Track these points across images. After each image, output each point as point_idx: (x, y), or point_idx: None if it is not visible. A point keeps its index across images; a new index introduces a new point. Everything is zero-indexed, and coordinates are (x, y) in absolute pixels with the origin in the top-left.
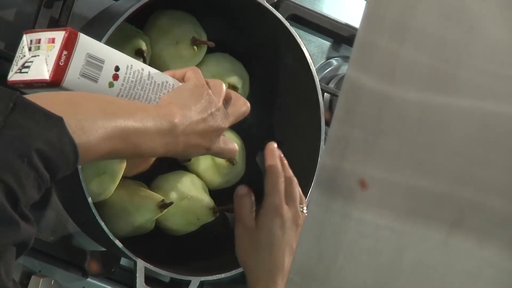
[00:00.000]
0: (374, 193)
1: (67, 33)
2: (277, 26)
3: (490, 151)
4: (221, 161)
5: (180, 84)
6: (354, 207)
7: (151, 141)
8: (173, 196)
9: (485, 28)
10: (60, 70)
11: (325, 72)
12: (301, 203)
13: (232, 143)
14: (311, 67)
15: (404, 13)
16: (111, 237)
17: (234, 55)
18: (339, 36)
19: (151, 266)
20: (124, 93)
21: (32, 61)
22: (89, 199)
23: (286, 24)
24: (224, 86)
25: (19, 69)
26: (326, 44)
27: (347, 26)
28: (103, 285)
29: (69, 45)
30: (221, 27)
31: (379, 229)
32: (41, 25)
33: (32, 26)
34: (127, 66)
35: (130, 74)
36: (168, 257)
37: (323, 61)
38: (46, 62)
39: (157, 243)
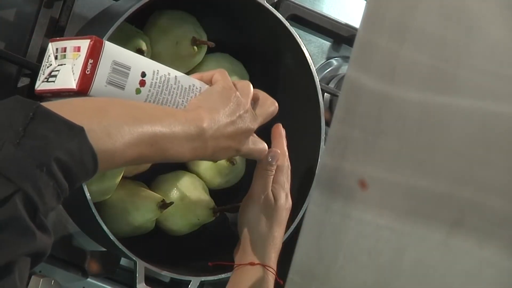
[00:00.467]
0: (374, 193)
1: (92, 41)
2: (277, 26)
3: (490, 151)
4: (221, 161)
5: (206, 86)
6: (354, 207)
7: (179, 146)
8: (173, 196)
9: (485, 28)
10: (86, 79)
11: (325, 72)
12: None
13: (262, 142)
14: (311, 67)
15: (404, 13)
16: (111, 237)
17: (234, 55)
18: (339, 36)
19: (151, 266)
20: (151, 99)
21: (58, 70)
22: (89, 199)
23: (286, 24)
24: (251, 87)
25: (46, 78)
26: (326, 44)
27: (347, 26)
28: (103, 285)
29: (94, 53)
30: (221, 27)
31: (379, 229)
32: (41, 25)
33: (32, 26)
34: (154, 71)
35: (157, 80)
36: (168, 257)
37: (323, 61)
38: (73, 71)
39: (157, 243)
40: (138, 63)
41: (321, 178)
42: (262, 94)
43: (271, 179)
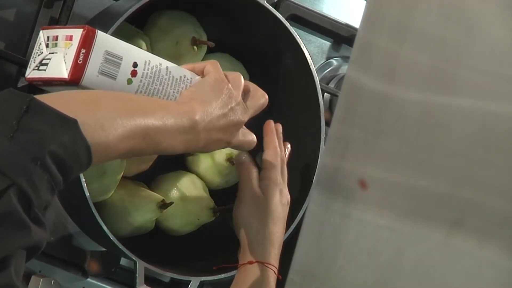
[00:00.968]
0: (374, 193)
1: (85, 30)
2: (277, 26)
3: (490, 151)
4: (221, 161)
5: (197, 77)
6: (354, 207)
7: (172, 139)
8: (173, 196)
9: (485, 28)
10: (78, 68)
11: (325, 72)
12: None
13: (251, 134)
14: (311, 67)
15: (404, 13)
16: (111, 237)
17: (234, 55)
18: (339, 36)
19: (151, 266)
20: (142, 89)
21: (50, 58)
22: (89, 199)
23: (286, 24)
24: (242, 79)
25: (36, 66)
26: (326, 44)
27: (347, 26)
28: (103, 285)
29: (87, 43)
30: (221, 27)
31: (379, 229)
32: (41, 25)
33: (32, 26)
34: (145, 61)
35: (148, 70)
36: (168, 257)
37: (323, 61)
38: (65, 60)
39: (157, 243)
40: (130, 53)
41: (321, 178)
42: (253, 86)
43: (254, 178)
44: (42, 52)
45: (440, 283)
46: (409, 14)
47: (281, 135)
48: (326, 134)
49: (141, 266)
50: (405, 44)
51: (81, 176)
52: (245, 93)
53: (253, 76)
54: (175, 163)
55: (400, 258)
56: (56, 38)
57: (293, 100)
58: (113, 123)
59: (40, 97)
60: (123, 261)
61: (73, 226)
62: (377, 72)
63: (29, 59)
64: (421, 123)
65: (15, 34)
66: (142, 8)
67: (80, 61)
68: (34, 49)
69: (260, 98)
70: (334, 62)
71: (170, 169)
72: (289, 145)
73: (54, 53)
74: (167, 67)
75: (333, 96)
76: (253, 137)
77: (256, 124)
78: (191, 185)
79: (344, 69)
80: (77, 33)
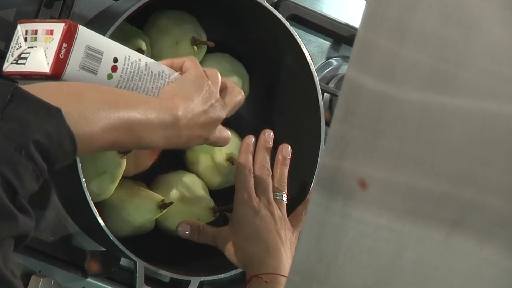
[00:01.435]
0: (374, 193)
1: (67, 25)
2: (277, 26)
3: (490, 151)
4: (221, 161)
5: (176, 73)
6: (354, 207)
7: (154, 133)
8: (173, 196)
9: (485, 28)
10: (60, 63)
11: (325, 72)
12: (277, 190)
13: (226, 130)
14: (311, 67)
15: (404, 13)
16: (111, 237)
17: (234, 55)
18: (339, 36)
19: (151, 266)
20: (122, 85)
21: (29, 52)
22: (89, 199)
23: (286, 24)
24: (219, 75)
25: (15, 60)
26: (326, 44)
27: (347, 26)
28: (103, 285)
29: (69, 38)
30: (221, 27)
31: (379, 229)
32: None
33: None
34: (125, 57)
35: (128, 65)
36: (168, 257)
37: (323, 61)
38: (46, 54)
39: (157, 243)
40: (111, 48)
41: (321, 178)
42: (230, 83)
43: (242, 197)
44: (20, 46)
45: (440, 283)
46: (409, 14)
47: (267, 144)
48: (326, 134)
49: (141, 266)
50: (405, 44)
51: (81, 176)
52: (222, 89)
53: (253, 76)
54: (175, 163)
55: (400, 258)
56: (36, 32)
57: (293, 100)
58: (96, 115)
59: (24, 87)
60: (123, 261)
61: (73, 226)
62: (377, 72)
63: None
64: (421, 123)
65: None
66: (142, 8)
67: (61, 55)
68: (12, 43)
69: (237, 95)
70: (334, 62)
71: (170, 169)
72: (289, 147)
73: (33, 47)
74: (146, 62)
75: (333, 96)
76: (228, 134)
77: (256, 124)
78: (191, 185)
79: (344, 69)
80: (58, 28)
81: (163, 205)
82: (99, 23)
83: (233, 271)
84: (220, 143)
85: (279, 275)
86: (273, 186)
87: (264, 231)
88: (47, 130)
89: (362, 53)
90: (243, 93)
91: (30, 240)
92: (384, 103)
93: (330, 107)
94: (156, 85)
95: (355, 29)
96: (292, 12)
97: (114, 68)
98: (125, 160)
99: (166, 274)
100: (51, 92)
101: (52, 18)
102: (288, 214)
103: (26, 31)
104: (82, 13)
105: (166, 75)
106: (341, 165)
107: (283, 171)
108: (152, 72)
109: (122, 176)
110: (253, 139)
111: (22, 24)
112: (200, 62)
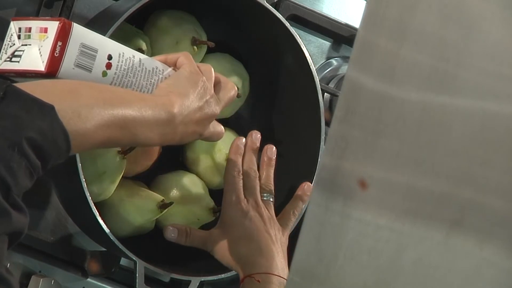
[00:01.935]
0: (374, 193)
1: (62, 23)
2: (277, 26)
3: (490, 151)
4: (221, 161)
5: (169, 69)
6: (354, 207)
7: (149, 130)
8: (173, 196)
9: (485, 28)
10: (55, 61)
11: (325, 72)
12: (264, 192)
13: (219, 125)
14: (311, 67)
15: (404, 13)
16: (111, 237)
17: (234, 55)
18: (339, 36)
19: (151, 266)
20: (117, 82)
21: (23, 50)
22: (89, 199)
23: (286, 24)
24: (213, 71)
25: (8, 57)
26: (326, 44)
27: (347, 26)
28: (103, 285)
29: (63, 36)
30: (221, 27)
31: (379, 229)
32: None
33: None
34: (119, 54)
35: (122, 62)
36: (168, 257)
37: (323, 61)
38: (40, 52)
39: (157, 243)
40: (105, 45)
41: (321, 178)
42: (223, 78)
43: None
44: (14, 44)
45: (440, 283)
46: (409, 14)
47: (254, 145)
48: (326, 134)
49: (141, 266)
50: (405, 44)
51: (81, 176)
52: (216, 85)
53: (253, 76)
54: (175, 163)
55: (400, 258)
56: (29, 29)
57: (293, 100)
58: (90, 111)
59: (17, 85)
60: (123, 261)
61: (73, 226)
62: (377, 72)
63: None
64: (421, 123)
65: None
66: (142, 8)
67: (56, 53)
68: (5, 40)
69: (231, 90)
70: (334, 62)
71: (170, 169)
72: (274, 148)
73: (27, 45)
74: (140, 59)
75: (333, 96)
76: (221, 128)
77: (256, 124)
78: (191, 185)
79: (344, 69)
80: (52, 25)
81: (163, 205)
82: (99, 23)
83: (233, 271)
84: (214, 138)
85: (272, 274)
86: (260, 187)
87: (254, 232)
88: (41, 127)
89: (362, 53)
90: (236, 88)
91: (30, 240)
92: (384, 103)
93: (330, 107)
94: (151, 82)
95: (355, 29)
96: (292, 12)
97: (109, 66)
98: (125, 160)
99: (166, 274)
100: (44, 89)
101: (61, 17)
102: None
103: (20, 29)
104: (82, 13)
105: (160, 71)
106: (341, 165)
107: (269, 172)
108: (146, 68)
109: (122, 176)
110: (243, 140)
111: (15, 22)
112: (200, 62)
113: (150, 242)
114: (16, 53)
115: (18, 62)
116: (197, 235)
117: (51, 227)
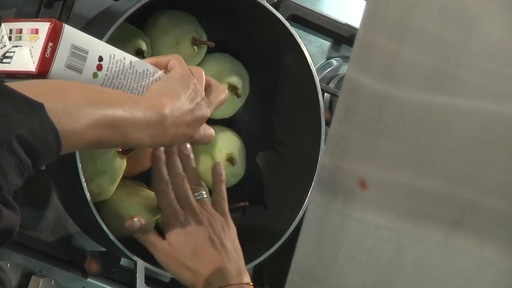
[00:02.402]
0: (374, 193)
1: (53, 24)
2: (277, 26)
3: (490, 151)
4: (221, 161)
5: (160, 71)
6: (354, 207)
7: (140, 132)
8: None
9: (485, 28)
10: (46, 62)
11: (325, 72)
12: (195, 191)
13: (210, 128)
14: (311, 67)
15: (404, 13)
16: (111, 237)
17: (234, 55)
18: (339, 36)
19: (151, 266)
20: (107, 83)
21: (14, 51)
22: (89, 199)
23: (286, 24)
24: (204, 74)
25: (0, 59)
26: (326, 44)
27: (347, 26)
28: (103, 285)
29: (54, 37)
30: (221, 27)
31: (379, 229)
32: None
33: None
34: (110, 55)
35: (113, 64)
36: None
37: (323, 61)
38: (31, 53)
39: None
40: (96, 47)
41: (321, 178)
42: (213, 81)
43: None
44: (5, 45)
45: (440, 283)
46: (409, 14)
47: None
48: (326, 134)
49: (141, 266)
50: (405, 44)
51: (81, 176)
52: (206, 87)
53: (253, 76)
54: None
55: (400, 258)
56: (20, 31)
57: (293, 100)
58: (80, 111)
59: (7, 84)
60: (123, 261)
61: (73, 226)
62: (377, 72)
63: None
64: (421, 123)
65: None
66: (142, 8)
67: (47, 54)
68: None
69: (221, 93)
70: (334, 62)
71: None
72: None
73: (18, 46)
74: (130, 61)
75: (333, 96)
76: (212, 131)
77: (256, 124)
78: None
79: (344, 69)
80: (43, 27)
81: None
82: (99, 23)
83: None
84: (204, 141)
85: (229, 285)
86: (191, 188)
87: (199, 248)
88: (30, 125)
89: (362, 53)
90: (226, 91)
91: (30, 240)
92: (384, 103)
93: (330, 107)
94: (141, 84)
95: (355, 29)
96: (292, 12)
97: (99, 67)
98: (125, 160)
99: (166, 274)
100: (34, 88)
101: (52, 18)
102: (288, 214)
103: (11, 30)
104: (82, 13)
105: (151, 73)
106: (341, 165)
107: (191, 167)
108: (137, 70)
109: (122, 176)
110: (162, 149)
111: (6, 23)
112: (200, 62)
113: None
114: (7, 54)
115: (9, 63)
116: (148, 239)
117: (51, 227)
